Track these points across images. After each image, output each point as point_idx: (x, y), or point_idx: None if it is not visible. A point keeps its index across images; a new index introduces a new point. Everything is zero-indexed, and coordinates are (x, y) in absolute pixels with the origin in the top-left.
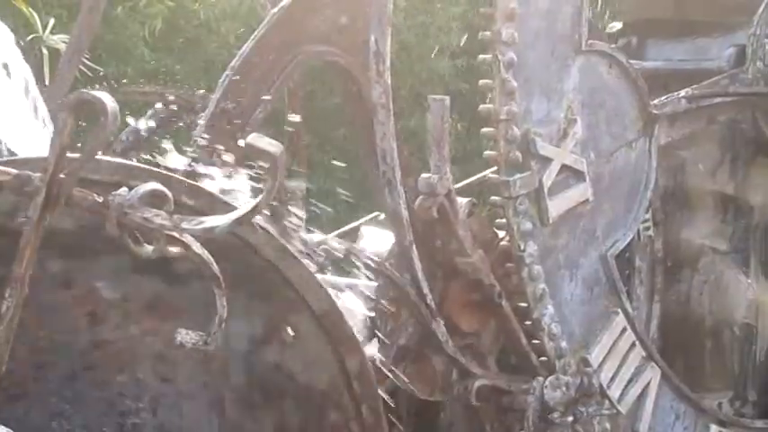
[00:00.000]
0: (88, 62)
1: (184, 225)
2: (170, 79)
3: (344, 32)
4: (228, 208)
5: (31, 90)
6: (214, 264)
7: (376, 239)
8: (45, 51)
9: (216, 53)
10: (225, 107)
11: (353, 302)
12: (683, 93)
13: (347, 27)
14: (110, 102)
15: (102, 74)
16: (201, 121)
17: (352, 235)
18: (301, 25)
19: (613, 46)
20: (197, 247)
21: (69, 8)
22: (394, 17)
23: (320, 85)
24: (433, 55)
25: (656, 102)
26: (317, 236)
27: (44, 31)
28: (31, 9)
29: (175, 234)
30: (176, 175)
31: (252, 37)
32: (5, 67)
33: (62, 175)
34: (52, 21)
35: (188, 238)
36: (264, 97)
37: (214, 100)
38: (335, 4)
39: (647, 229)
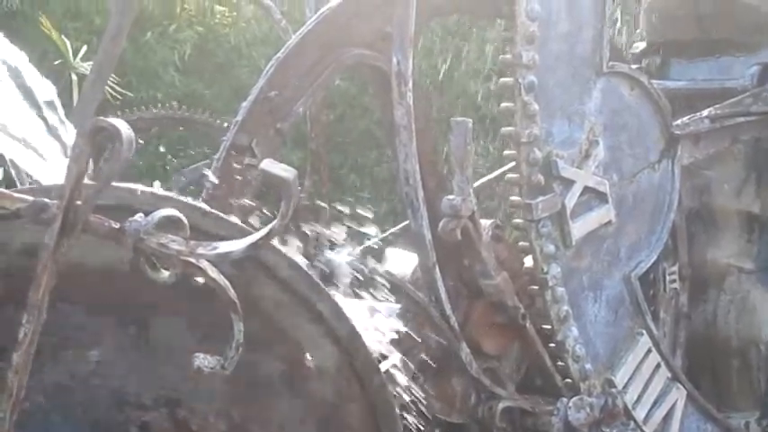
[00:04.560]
0: (118, 87)
1: (200, 250)
2: (200, 104)
3: (389, 40)
4: (245, 232)
5: (56, 117)
6: (231, 289)
7: (401, 261)
8: (74, 77)
9: (246, 78)
10: (268, 95)
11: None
12: (705, 113)
13: (392, 35)
14: (125, 128)
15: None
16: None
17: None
18: (347, 27)
19: (637, 66)
20: (213, 272)
21: (100, 35)
22: (427, 40)
23: (350, 108)
24: (466, 78)
25: (678, 122)
26: (340, 256)
27: (74, 58)
28: (63, 36)
29: (192, 259)
30: (192, 201)
31: (298, 32)
32: (29, 95)
33: (78, 202)
34: (84, 48)
35: (204, 264)
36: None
37: (257, 87)
38: (382, 12)
39: (673, 282)
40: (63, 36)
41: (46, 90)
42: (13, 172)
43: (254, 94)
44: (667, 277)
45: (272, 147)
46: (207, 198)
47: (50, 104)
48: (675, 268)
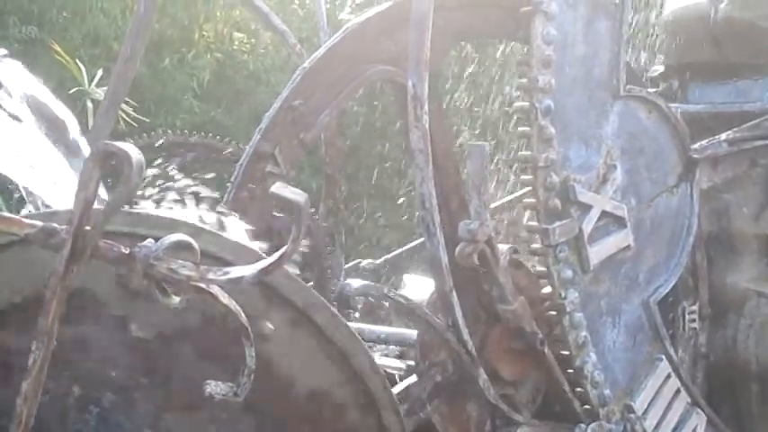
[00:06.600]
0: (136, 114)
1: (211, 276)
2: (219, 131)
3: None
4: (257, 257)
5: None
6: (242, 314)
7: (419, 287)
8: (90, 104)
9: (265, 104)
10: (292, 104)
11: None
12: (723, 136)
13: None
14: (135, 153)
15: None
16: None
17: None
18: (374, 43)
19: (654, 90)
20: (224, 297)
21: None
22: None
23: (369, 134)
24: (482, 102)
25: (696, 146)
26: (356, 282)
27: (89, 84)
28: (78, 62)
29: (203, 285)
30: (203, 225)
31: (324, 44)
32: (47, 122)
33: (88, 228)
34: (100, 73)
35: (215, 289)
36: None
37: (282, 97)
38: (408, 30)
39: (693, 321)
40: (79, 62)
41: (66, 116)
42: (27, 198)
43: (278, 103)
44: (687, 316)
45: (294, 156)
46: (229, 206)
47: (69, 131)
48: (695, 307)
